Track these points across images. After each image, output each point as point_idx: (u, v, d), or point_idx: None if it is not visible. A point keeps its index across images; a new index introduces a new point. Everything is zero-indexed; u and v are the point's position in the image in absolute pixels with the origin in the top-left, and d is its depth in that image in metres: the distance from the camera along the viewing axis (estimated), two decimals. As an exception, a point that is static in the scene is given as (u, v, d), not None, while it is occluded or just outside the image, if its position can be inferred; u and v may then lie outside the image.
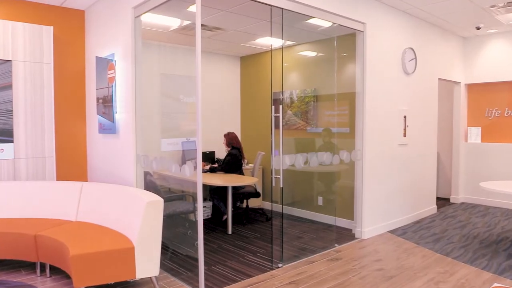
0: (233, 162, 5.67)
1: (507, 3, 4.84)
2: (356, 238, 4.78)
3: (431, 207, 6.07)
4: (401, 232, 5.06)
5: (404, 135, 5.34)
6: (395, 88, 5.20)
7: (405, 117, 5.34)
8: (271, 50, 4.55)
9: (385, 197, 5.09)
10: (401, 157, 5.32)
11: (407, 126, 5.38)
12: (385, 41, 5.02)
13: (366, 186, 4.79)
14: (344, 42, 5.04)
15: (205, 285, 3.40)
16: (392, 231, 5.07)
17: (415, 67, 5.49)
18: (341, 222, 5.25)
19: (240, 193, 5.69)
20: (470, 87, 6.91)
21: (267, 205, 6.55)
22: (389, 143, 5.12)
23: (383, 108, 5.01)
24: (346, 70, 5.27)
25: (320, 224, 5.46)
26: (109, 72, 4.34)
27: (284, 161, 3.95)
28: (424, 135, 5.82)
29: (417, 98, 5.63)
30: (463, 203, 6.90)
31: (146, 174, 4.46)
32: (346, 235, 4.93)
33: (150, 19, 4.50)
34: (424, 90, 5.77)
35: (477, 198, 6.81)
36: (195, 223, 4.47)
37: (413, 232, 5.07)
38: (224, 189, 5.35)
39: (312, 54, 6.05)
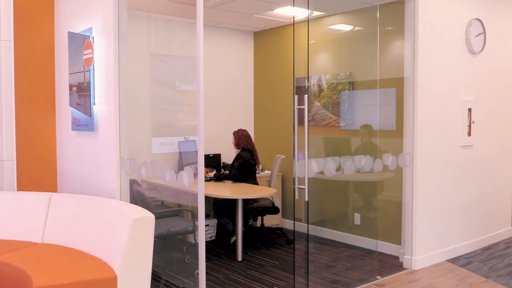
0: (244, 168, 5.65)
1: None
2: (405, 269, 4.74)
3: (506, 229, 5.97)
4: (464, 261, 4.99)
5: (469, 133, 5.27)
6: (457, 72, 5.13)
7: (470, 110, 5.27)
8: (293, 24, 4.52)
9: (444, 215, 5.02)
10: (464, 162, 5.25)
11: (473, 122, 5.31)
12: (443, 10, 4.95)
13: (418, 201, 4.74)
14: (389, 12, 4.98)
15: (208, 328, 3.38)
16: (452, 260, 5.00)
17: (484, 44, 5.40)
18: (385, 247, 5.21)
19: (253, 208, 5.69)
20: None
21: (287, 224, 6.53)
22: (448, 144, 5.06)
23: (441, 98, 4.95)
24: (391, 49, 5.21)
25: (358, 249, 5.43)
26: (85, 52, 4.35)
27: (310, 167, 3.92)
28: (497, 134, 5.73)
29: (487, 85, 5.54)
30: (546, 223, 6.75)
31: (132, 183, 4.47)
32: (392, 264, 4.89)
33: (138, -17, 4.51)
34: (496, 74, 5.67)
35: None
36: (195, 246, 4.47)
37: (481, 261, 5.00)
38: (232, 202, 5.34)
39: (347, 28, 6.00)
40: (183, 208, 5.35)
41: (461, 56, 5.18)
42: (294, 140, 3.91)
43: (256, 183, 5.82)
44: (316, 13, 5.90)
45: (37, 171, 4.90)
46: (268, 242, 5.83)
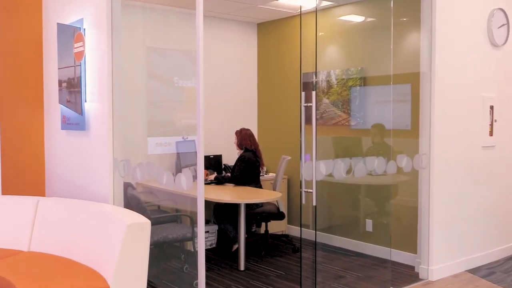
0: (247, 170, 5.64)
1: None
2: (421, 280, 4.72)
3: (529, 236, 5.93)
4: (486, 272, 4.97)
5: (491, 133, 5.25)
6: (478, 66, 5.12)
7: (491, 107, 5.25)
8: (300, 14, 4.52)
9: (463, 221, 5.01)
10: (486, 164, 5.23)
11: (495, 120, 5.29)
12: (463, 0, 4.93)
13: (435, 206, 4.72)
14: (404, 2, 4.99)
15: None
16: (473, 271, 4.99)
17: (508, 36, 5.39)
18: (399, 256, 5.20)
19: (257, 214, 5.68)
20: None
21: (294, 231, 6.52)
22: (468, 145, 5.05)
23: (460, 95, 4.94)
24: (406, 42, 5.20)
25: (370, 258, 5.42)
26: (76, 45, 4.34)
27: (318, 169, 3.91)
28: (520, 134, 5.69)
29: (511, 81, 5.52)
30: None
31: (127, 186, 4.46)
32: (407, 274, 4.88)
33: (133, -29, 4.51)
34: (519, 69, 5.64)
35: None
36: (194, 254, 4.46)
37: (504, 272, 4.98)
38: (234, 207, 5.33)
39: (359, 19, 5.99)
40: (181, 213, 5.34)
41: (483, 49, 5.15)
42: (301, 140, 3.90)
43: (260, 186, 5.81)
44: (325, 3, 5.88)
45: (24, 173, 4.89)
46: (272, 250, 5.82)
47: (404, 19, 5.15)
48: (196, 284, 3.59)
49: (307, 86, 5.54)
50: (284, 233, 6.51)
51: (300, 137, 3.90)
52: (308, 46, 4.29)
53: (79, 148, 4.46)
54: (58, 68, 4.61)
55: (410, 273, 4.88)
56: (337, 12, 6.04)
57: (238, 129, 5.89)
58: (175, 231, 4.72)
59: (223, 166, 6.45)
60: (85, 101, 4.28)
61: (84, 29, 4.25)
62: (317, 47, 4.21)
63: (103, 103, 4.08)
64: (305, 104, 3.85)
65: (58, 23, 4.55)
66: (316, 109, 3.86)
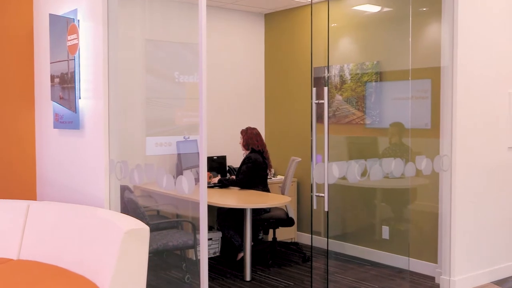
0: (253, 172, 5.64)
1: None
2: (442, 292, 4.71)
3: (560, 245, 5.90)
4: (513, 283, 4.95)
5: (518, 133, 5.22)
6: (504, 60, 5.10)
7: (519, 105, 5.22)
8: (311, 4, 4.51)
9: (488, 228, 4.99)
10: (512, 167, 5.19)
11: (523, 119, 5.26)
12: (489, -12, 4.92)
13: (458, 212, 4.70)
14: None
15: None
16: (499, 282, 4.97)
17: (535, 27, 5.34)
18: (419, 266, 5.19)
19: (264, 220, 5.68)
20: None
21: (304, 238, 6.52)
22: (493, 145, 5.03)
23: (484, 91, 4.92)
24: (426, 34, 5.19)
25: (386, 268, 5.42)
26: (69, 38, 4.35)
27: (330, 171, 3.90)
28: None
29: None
30: None
31: (124, 189, 4.47)
32: (426, 285, 4.87)
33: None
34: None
35: None
36: (196, 263, 4.46)
37: (531, 283, 4.94)
38: (240, 213, 5.33)
39: (375, 9, 5.98)
40: (183, 219, 5.35)
41: (510, 42, 5.14)
42: (311, 140, 3.90)
43: (267, 190, 5.82)
44: (338, -8, 5.88)
45: (13, 175, 4.91)
46: (281, 259, 5.83)
47: (424, 9, 5.14)
48: (199, 296, 3.60)
49: (319, 82, 5.53)
50: (293, 240, 6.52)
51: (311, 136, 3.90)
52: (319, 38, 4.28)
53: (72, 148, 4.47)
54: (50, 63, 4.62)
55: (430, 284, 4.88)
56: (351, 2, 6.03)
57: (244, 128, 5.89)
58: (175, 238, 4.73)
59: (227, 168, 6.46)
60: (79, 98, 4.29)
61: (79, 20, 4.26)
62: (329, 39, 4.20)
63: (98, 100, 4.09)
64: (317, 101, 3.84)
65: (50, 14, 4.57)
66: (328, 107, 3.85)
